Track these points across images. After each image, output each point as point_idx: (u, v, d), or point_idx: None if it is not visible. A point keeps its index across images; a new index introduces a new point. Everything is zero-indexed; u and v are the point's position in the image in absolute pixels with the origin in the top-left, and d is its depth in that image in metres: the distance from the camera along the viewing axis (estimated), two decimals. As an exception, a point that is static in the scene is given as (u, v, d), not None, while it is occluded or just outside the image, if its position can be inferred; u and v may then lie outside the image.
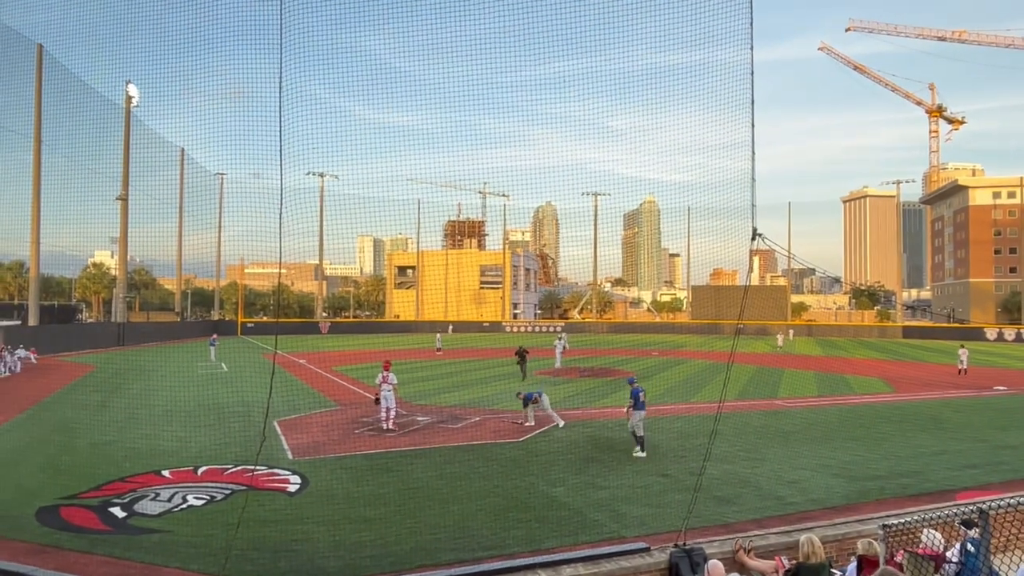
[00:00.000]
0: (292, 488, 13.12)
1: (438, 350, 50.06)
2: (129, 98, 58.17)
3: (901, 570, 7.24)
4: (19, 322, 48.14)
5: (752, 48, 9.33)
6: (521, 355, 32.94)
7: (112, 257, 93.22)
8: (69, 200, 53.68)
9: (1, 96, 48.42)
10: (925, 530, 7.62)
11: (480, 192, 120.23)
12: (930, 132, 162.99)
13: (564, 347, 39.04)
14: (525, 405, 20.03)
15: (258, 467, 13.84)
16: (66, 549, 9.74)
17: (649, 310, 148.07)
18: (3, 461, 15.31)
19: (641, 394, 16.60)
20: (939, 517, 7.82)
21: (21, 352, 38.08)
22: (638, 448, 16.17)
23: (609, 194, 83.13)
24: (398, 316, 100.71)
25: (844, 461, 15.47)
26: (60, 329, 53.35)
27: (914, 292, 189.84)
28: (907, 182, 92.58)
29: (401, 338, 68.55)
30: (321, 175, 76.02)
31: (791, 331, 73.69)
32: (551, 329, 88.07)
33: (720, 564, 7.26)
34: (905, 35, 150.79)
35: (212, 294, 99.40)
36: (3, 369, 33.60)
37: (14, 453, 16.19)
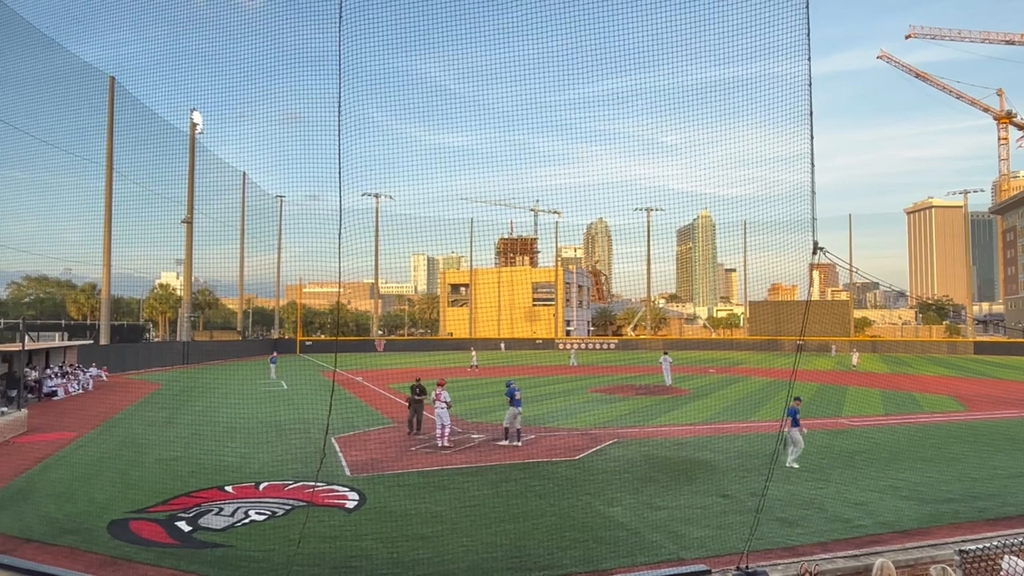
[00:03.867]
0: (350, 505, 13.29)
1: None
2: (194, 125, 60.62)
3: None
4: (91, 341, 50.16)
5: (809, 59, 9.18)
6: (415, 392, 21.47)
7: (177, 278, 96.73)
8: (138, 224, 56.10)
9: (78, 126, 51.04)
10: (1006, 557, 7.23)
11: (532, 209, 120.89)
12: (999, 139, 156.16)
13: (670, 363, 36.93)
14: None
15: (318, 483, 14.06)
16: (135, 562, 10.06)
17: (705, 326, 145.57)
18: (77, 475, 15.94)
19: (517, 393, 18.98)
20: (1021, 544, 7.42)
21: (93, 370, 39.76)
22: (505, 439, 18.99)
23: (662, 209, 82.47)
24: (452, 334, 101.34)
25: (914, 482, 14.85)
26: (129, 348, 55.35)
27: (985, 306, 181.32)
28: (975, 191, 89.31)
29: (453, 355, 68.95)
30: (376, 195, 78.14)
31: (839, 347, 71.45)
32: (606, 346, 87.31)
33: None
34: (969, 40, 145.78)
35: (272, 313, 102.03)
36: (76, 386, 35.06)
37: (87, 467, 16.84)
